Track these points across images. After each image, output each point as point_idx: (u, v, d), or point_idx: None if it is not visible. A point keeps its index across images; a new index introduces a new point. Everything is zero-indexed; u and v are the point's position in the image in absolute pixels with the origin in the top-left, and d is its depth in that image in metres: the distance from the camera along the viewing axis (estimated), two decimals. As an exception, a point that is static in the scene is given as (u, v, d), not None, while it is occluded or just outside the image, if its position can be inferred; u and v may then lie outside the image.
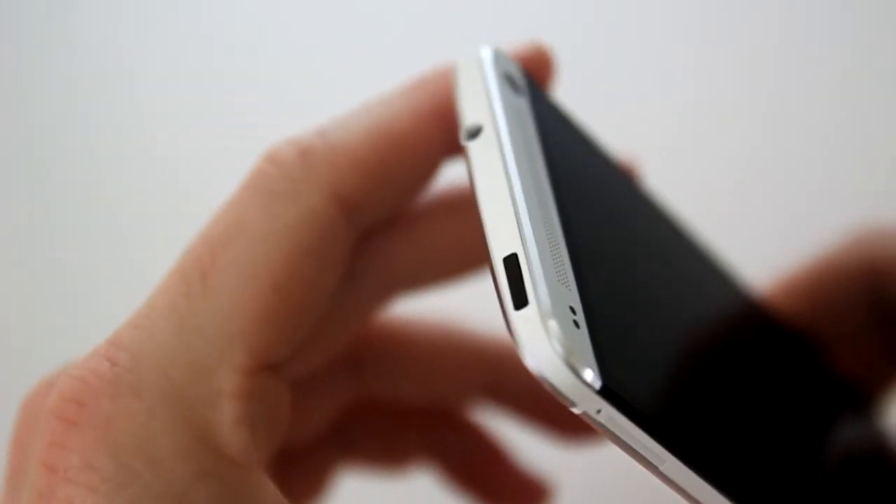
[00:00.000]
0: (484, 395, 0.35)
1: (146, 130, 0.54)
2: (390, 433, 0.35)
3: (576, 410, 0.23)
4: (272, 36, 0.56)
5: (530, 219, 0.24)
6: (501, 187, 0.24)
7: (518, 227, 0.24)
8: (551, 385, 0.22)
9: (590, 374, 0.22)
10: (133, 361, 0.25)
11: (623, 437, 0.23)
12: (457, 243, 0.30)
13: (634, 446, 0.23)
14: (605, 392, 0.23)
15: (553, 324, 0.22)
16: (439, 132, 0.28)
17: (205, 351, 0.25)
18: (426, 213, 0.30)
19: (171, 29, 0.56)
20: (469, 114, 0.26)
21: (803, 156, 0.51)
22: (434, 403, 0.35)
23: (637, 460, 0.24)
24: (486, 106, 0.25)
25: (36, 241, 0.52)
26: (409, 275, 0.30)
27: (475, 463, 0.35)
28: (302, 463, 0.33)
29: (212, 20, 0.57)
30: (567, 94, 0.30)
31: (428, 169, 0.29)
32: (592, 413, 0.23)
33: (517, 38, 0.28)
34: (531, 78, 0.28)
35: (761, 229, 0.49)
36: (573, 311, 0.23)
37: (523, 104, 0.27)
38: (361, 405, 0.34)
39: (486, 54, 0.26)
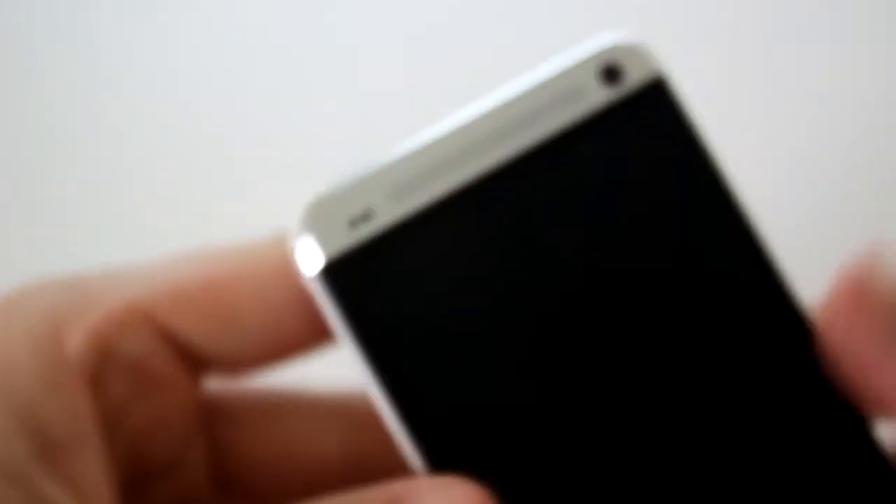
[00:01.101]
0: None
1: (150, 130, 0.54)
2: None
3: (307, 276, 0.27)
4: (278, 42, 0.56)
5: (432, 140, 0.27)
6: None
7: (412, 144, 0.27)
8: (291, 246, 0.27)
9: (307, 251, 0.27)
10: (44, 279, 0.29)
11: (333, 323, 0.27)
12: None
13: (339, 334, 0.27)
14: (326, 273, 0.27)
15: (318, 196, 0.27)
16: None
17: (110, 282, 0.29)
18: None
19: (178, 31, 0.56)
20: None
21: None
22: None
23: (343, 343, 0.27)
24: None
25: (37, 243, 0.52)
26: None
27: None
28: None
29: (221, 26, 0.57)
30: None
31: None
32: (318, 288, 0.27)
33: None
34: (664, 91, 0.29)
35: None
36: (369, 214, 0.27)
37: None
38: None
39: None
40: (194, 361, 0.30)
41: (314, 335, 0.30)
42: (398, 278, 0.27)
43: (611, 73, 0.28)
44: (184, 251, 0.30)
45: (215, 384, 0.32)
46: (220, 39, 0.55)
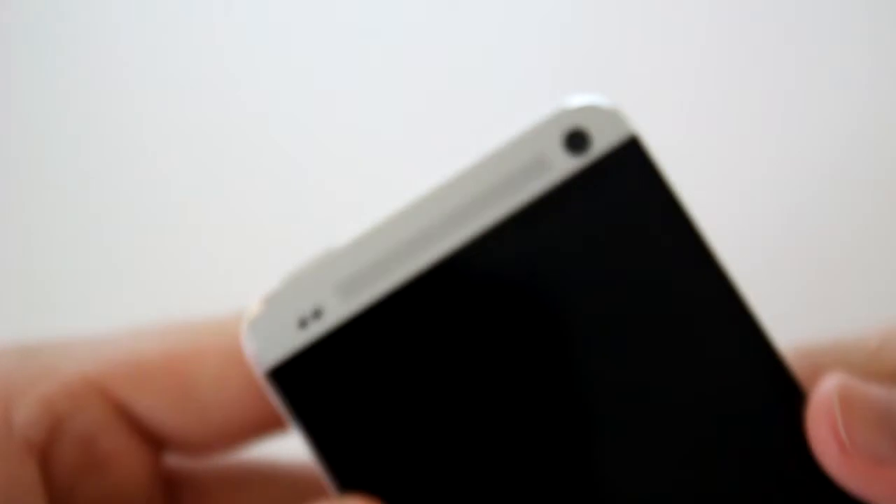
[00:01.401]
0: None
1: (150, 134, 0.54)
2: None
3: (257, 375, 0.26)
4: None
5: (374, 232, 0.27)
6: None
7: (360, 234, 0.27)
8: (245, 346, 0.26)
9: (257, 352, 0.26)
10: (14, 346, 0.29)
11: (285, 414, 0.26)
12: None
13: (292, 424, 0.26)
14: (274, 374, 0.26)
15: (265, 297, 0.26)
16: None
17: (67, 351, 0.29)
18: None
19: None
20: None
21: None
22: None
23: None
24: None
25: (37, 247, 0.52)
26: None
27: None
28: None
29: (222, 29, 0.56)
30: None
31: None
32: (267, 387, 0.26)
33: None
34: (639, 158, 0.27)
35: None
36: (317, 314, 0.26)
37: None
38: None
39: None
40: (152, 438, 0.29)
41: (276, 417, 0.29)
42: (350, 376, 0.26)
43: (576, 140, 0.27)
44: (144, 323, 0.30)
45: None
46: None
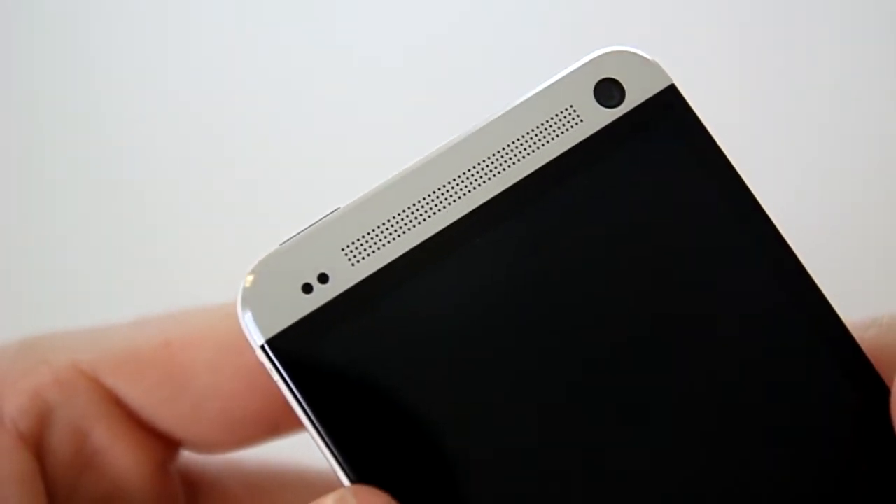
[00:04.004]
0: None
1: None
2: None
3: (254, 348, 0.23)
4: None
5: (386, 189, 0.24)
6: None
7: (370, 192, 0.24)
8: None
9: (252, 324, 0.23)
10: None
11: (283, 390, 0.23)
12: None
13: (291, 403, 0.23)
14: (272, 346, 0.23)
15: (261, 261, 0.23)
16: None
17: (62, 342, 0.28)
18: None
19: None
20: None
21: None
22: None
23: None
24: None
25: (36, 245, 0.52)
26: None
27: None
28: None
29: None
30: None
31: None
32: (263, 359, 0.23)
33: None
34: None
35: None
36: (322, 278, 0.23)
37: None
38: None
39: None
40: (154, 433, 0.28)
41: (275, 413, 0.28)
42: (364, 350, 0.23)
43: (608, 92, 0.25)
44: (143, 314, 0.28)
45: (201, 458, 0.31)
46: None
